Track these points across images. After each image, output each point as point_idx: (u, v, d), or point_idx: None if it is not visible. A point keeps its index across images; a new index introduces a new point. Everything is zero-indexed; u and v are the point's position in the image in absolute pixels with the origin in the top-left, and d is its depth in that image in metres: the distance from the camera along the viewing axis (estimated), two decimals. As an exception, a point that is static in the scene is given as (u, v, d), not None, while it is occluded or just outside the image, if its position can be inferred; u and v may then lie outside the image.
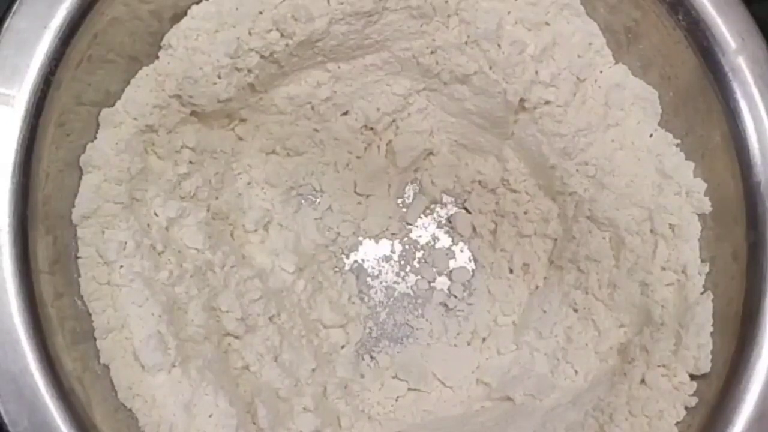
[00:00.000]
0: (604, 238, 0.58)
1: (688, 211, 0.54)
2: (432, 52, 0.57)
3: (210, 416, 0.50)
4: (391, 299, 0.64)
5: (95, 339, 0.50)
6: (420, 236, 0.65)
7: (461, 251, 0.65)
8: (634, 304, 0.56)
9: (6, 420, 0.44)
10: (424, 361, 0.62)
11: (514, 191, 0.62)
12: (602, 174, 0.56)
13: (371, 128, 0.61)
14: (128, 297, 0.51)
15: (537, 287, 0.63)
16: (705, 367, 0.50)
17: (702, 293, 0.52)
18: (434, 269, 0.65)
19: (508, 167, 0.62)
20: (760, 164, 0.50)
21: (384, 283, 0.64)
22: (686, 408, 0.50)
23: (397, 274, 0.65)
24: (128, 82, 0.53)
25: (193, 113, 0.55)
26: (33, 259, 0.46)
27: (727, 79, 0.51)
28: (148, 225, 0.53)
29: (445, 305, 0.64)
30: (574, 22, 0.56)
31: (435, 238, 0.65)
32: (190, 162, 0.56)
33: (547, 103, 0.56)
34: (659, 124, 0.56)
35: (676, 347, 0.51)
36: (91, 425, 0.46)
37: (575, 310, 0.59)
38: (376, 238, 0.65)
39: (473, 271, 0.65)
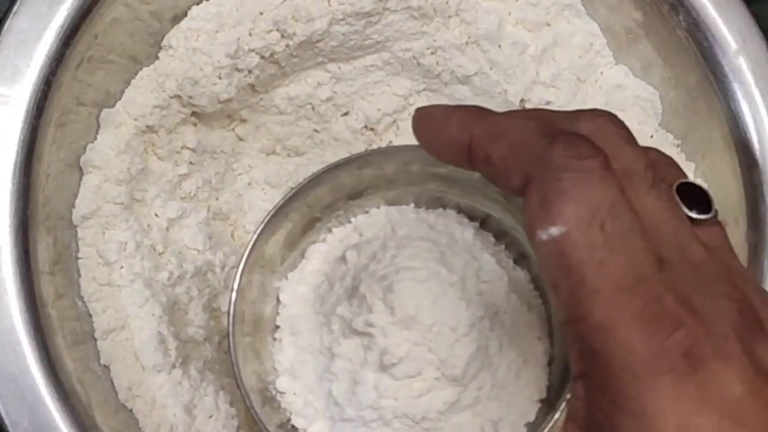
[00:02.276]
0: (604, 239, 0.58)
1: (688, 211, 0.53)
2: (433, 53, 0.56)
3: (210, 417, 0.50)
4: (392, 300, 0.64)
5: (96, 340, 0.50)
6: (420, 237, 0.65)
7: (462, 252, 0.65)
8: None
9: (6, 421, 0.44)
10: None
11: (515, 192, 0.62)
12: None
13: (372, 129, 0.61)
14: (129, 298, 0.51)
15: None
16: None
17: (702, 294, 0.52)
18: (434, 270, 0.64)
19: (509, 168, 0.61)
20: (761, 165, 0.50)
21: (384, 284, 0.64)
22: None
23: (398, 275, 0.64)
24: (129, 83, 0.53)
25: (193, 114, 0.55)
26: (33, 259, 0.46)
27: (727, 79, 0.51)
28: (149, 225, 0.53)
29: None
30: (574, 22, 0.56)
31: (435, 239, 0.65)
32: (191, 162, 0.56)
33: (548, 103, 0.56)
34: (660, 124, 0.56)
35: (677, 348, 0.51)
36: (92, 426, 0.46)
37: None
38: (377, 238, 0.65)
39: (474, 271, 0.64)
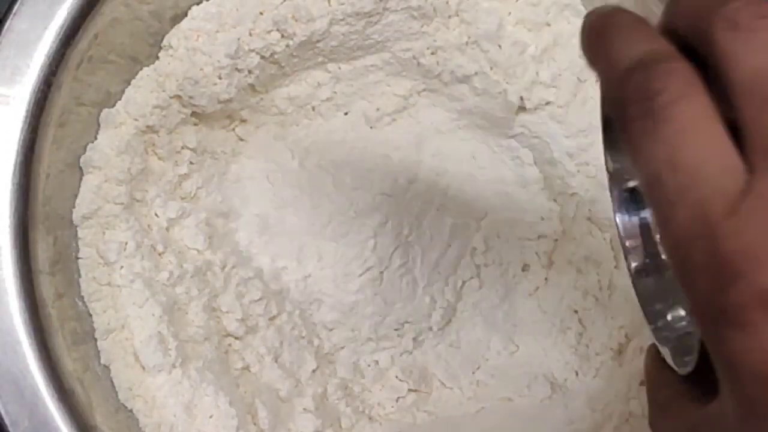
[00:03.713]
0: (604, 239, 0.58)
1: (688, 211, 0.53)
2: (433, 53, 0.56)
3: (210, 417, 0.51)
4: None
5: (96, 340, 0.50)
6: (420, 236, 0.65)
7: (461, 252, 0.65)
8: (633, 305, 0.56)
9: (6, 421, 0.44)
10: (425, 362, 0.62)
11: (515, 192, 0.62)
12: (603, 174, 0.56)
13: (372, 128, 0.61)
14: (129, 297, 0.51)
15: (537, 288, 0.63)
16: (704, 368, 0.50)
17: (702, 294, 0.52)
18: (434, 269, 0.64)
19: (509, 168, 0.62)
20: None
21: (384, 284, 0.64)
22: (686, 409, 0.50)
23: (398, 275, 0.64)
24: (129, 83, 0.53)
25: (193, 114, 0.55)
26: (33, 259, 0.46)
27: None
28: (149, 225, 0.53)
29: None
30: (574, 22, 0.56)
31: (435, 239, 0.65)
32: (191, 162, 0.56)
33: (548, 103, 0.56)
34: (660, 124, 0.56)
35: (676, 348, 0.51)
36: (92, 426, 0.46)
37: (575, 311, 0.59)
38: (377, 238, 0.64)
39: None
